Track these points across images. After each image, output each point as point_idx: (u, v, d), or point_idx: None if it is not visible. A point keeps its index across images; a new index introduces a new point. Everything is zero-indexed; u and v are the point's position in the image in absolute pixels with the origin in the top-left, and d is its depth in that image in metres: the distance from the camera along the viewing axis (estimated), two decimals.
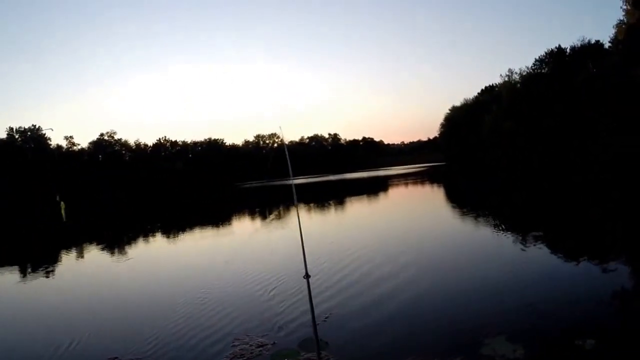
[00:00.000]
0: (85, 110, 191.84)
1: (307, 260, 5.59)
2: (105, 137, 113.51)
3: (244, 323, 7.49)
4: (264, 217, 27.21)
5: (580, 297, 7.15)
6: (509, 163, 57.89)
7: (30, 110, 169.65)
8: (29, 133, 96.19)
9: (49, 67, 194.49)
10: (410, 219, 20.19)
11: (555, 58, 60.27)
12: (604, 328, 5.77)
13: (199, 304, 8.81)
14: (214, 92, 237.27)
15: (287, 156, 6.10)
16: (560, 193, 24.17)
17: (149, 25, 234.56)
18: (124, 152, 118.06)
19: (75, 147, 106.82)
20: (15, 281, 13.71)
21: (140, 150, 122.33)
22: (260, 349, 6.36)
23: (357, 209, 27.41)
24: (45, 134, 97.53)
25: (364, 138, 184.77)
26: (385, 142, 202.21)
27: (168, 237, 22.29)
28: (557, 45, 61.02)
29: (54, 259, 17.70)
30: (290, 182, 5.85)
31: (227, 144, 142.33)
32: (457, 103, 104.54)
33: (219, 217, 30.31)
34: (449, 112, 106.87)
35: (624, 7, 37.83)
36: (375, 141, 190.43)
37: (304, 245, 5.45)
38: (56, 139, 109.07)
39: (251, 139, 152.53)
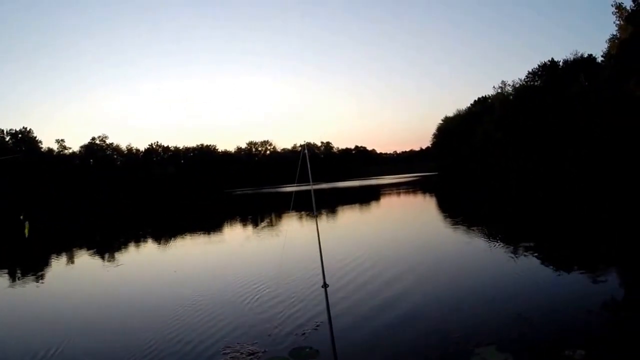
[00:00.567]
0: (77, 114, 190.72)
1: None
2: (97, 142, 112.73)
3: (234, 331, 7.47)
4: (255, 224, 27.10)
5: (570, 308, 7.21)
6: (501, 173, 58.29)
7: (21, 113, 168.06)
8: (19, 135, 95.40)
9: (40, 70, 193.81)
10: (402, 229, 20.23)
11: (548, 71, 60.77)
12: (594, 338, 5.81)
13: (190, 311, 8.77)
14: (208, 98, 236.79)
15: (308, 163, 6.04)
16: (552, 203, 24.39)
17: (143, 32, 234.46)
18: (115, 156, 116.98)
19: (66, 151, 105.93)
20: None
21: (131, 155, 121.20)
22: (251, 356, 6.36)
23: (350, 218, 27.40)
24: (36, 137, 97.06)
25: (356, 147, 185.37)
26: (378, 151, 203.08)
27: (158, 244, 22.13)
28: (550, 59, 61.70)
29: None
30: (310, 187, 5.81)
31: (219, 150, 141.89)
32: (450, 113, 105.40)
33: (210, 225, 30.13)
34: (441, 122, 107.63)
35: (617, 22, 38.46)
36: (367, 150, 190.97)
37: (322, 254, 5.31)
38: (47, 142, 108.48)
39: (243, 145, 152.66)
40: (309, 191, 5.72)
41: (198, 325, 7.88)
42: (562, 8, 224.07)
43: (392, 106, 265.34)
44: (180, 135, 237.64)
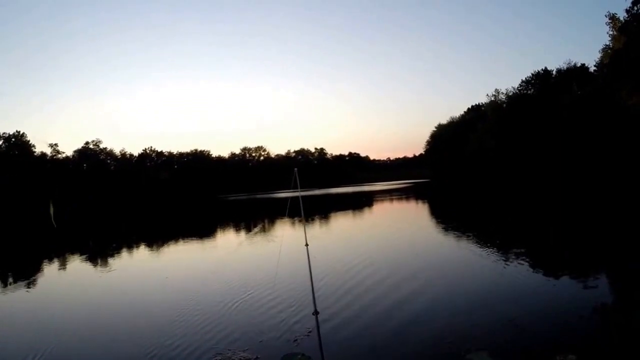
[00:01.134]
0: (71, 118, 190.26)
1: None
2: (91, 146, 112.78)
3: (226, 337, 7.43)
4: (248, 230, 27.02)
5: (562, 313, 7.23)
6: (493, 180, 58.61)
7: (14, 117, 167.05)
8: (12, 139, 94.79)
9: (34, 75, 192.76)
10: (395, 235, 20.20)
11: (541, 80, 61.40)
12: (585, 343, 5.85)
13: (180, 318, 8.71)
14: (202, 104, 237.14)
15: (296, 175, 6.00)
16: (544, 209, 24.54)
17: (138, 38, 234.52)
18: (109, 161, 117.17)
19: (60, 155, 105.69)
20: None
21: (125, 159, 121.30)
22: None
23: (343, 225, 27.40)
24: (29, 141, 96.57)
25: (350, 153, 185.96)
26: (371, 158, 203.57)
27: (150, 250, 21.98)
28: (544, 68, 62.36)
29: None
30: (298, 194, 5.78)
31: (213, 155, 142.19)
32: (444, 121, 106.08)
33: (203, 231, 30.02)
34: (435, 129, 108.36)
35: (611, 32, 38.96)
36: (361, 156, 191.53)
37: (313, 281, 5.19)
38: (41, 146, 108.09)
39: (237, 151, 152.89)
40: (304, 197, 5.71)
41: (189, 332, 7.82)
42: (556, 18, 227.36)
43: (385, 113, 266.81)
44: (174, 140, 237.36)
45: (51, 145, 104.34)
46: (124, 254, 20.58)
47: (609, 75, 35.82)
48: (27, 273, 16.64)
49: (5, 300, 12.39)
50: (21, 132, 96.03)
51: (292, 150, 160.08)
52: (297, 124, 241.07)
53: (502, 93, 73.02)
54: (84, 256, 20.06)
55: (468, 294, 8.97)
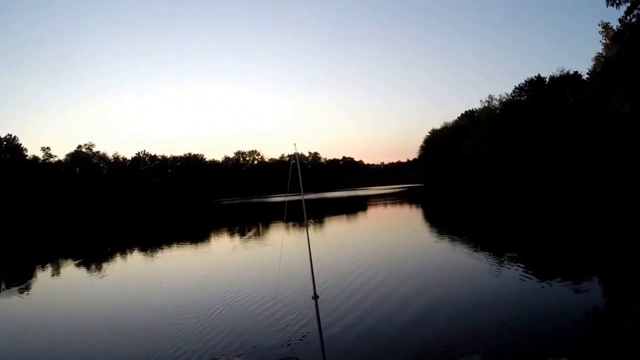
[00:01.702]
0: (64, 122, 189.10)
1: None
2: (83, 149, 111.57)
3: (220, 342, 7.44)
4: (242, 235, 27.00)
5: (554, 317, 7.30)
6: (487, 185, 58.93)
7: (6, 120, 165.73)
8: (4, 143, 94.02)
9: (27, 78, 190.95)
10: (389, 239, 20.30)
11: (534, 86, 61.78)
12: (577, 347, 5.92)
13: (174, 323, 8.71)
14: (195, 107, 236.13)
15: (299, 172, 6.00)
16: (536, 214, 24.73)
17: (132, 42, 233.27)
18: (102, 165, 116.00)
19: (52, 159, 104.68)
20: None
21: (118, 163, 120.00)
22: None
23: (338, 229, 27.44)
24: (21, 144, 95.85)
25: (344, 158, 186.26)
26: (365, 163, 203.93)
27: (144, 254, 21.91)
28: (537, 75, 62.80)
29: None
30: (301, 197, 5.78)
31: (206, 159, 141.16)
32: (437, 126, 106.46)
33: (197, 235, 29.96)
34: (429, 134, 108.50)
35: (604, 40, 39.41)
36: (355, 161, 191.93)
37: (313, 265, 5.23)
38: (33, 149, 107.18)
39: (231, 155, 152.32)
40: (298, 201, 5.73)
41: (183, 336, 7.83)
42: (549, 26, 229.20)
43: (380, 118, 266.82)
44: (168, 144, 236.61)
45: (43, 149, 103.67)
46: (118, 258, 20.52)
47: (601, 83, 36.12)
48: (22, 277, 16.62)
49: None
50: (13, 136, 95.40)
51: (286, 155, 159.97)
52: (291, 129, 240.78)
53: (496, 99, 73.50)
54: (78, 260, 19.98)
55: (462, 298, 9.02)
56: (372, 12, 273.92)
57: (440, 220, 27.47)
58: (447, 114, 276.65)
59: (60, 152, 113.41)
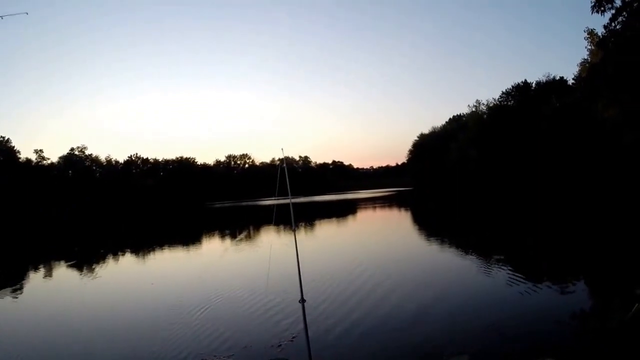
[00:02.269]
0: (55, 124, 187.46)
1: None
2: (76, 152, 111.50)
3: (210, 343, 7.45)
4: (233, 237, 26.96)
5: (540, 318, 7.41)
6: (474, 188, 59.40)
7: None
8: None
9: (20, 80, 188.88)
10: (377, 242, 20.35)
11: (521, 91, 62.57)
12: (562, 347, 6.01)
13: (165, 324, 8.70)
14: (187, 111, 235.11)
15: (287, 177, 6.03)
16: (523, 216, 25.01)
17: (124, 45, 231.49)
18: (94, 167, 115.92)
19: (45, 162, 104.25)
20: None
21: (111, 166, 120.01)
22: None
23: (326, 232, 27.49)
24: (14, 147, 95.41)
25: (333, 162, 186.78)
26: (355, 166, 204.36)
27: (136, 256, 21.75)
28: (524, 80, 63.57)
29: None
30: (288, 201, 5.83)
31: (198, 163, 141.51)
32: (426, 130, 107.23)
33: (189, 237, 29.83)
34: (417, 139, 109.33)
35: (589, 47, 40.07)
36: (344, 165, 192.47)
37: (300, 268, 5.26)
38: (25, 152, 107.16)
39: (222, 158, 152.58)
40: (288, 205, 5.79)
41: (174, 338, 7.83)
42: (536, 33, 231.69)
43: (369, 122, 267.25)
44: (160, 147, 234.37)
45: (36, 151, 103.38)
46: (113, 258, 20.42)
47: (586, 88, 36.70)
48: (17, 277, 16.56)
49: None
50: (6, 138, 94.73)
51: (276, 159, 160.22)
52: (282, 133, 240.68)
53: (483, 104, 74.31)
54: (73, 261, 19.87)
55: (449, 300, 9.11)
56: (362, 17, 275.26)
57: (429, 224, 27.63)
58: (436, 118, 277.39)
59: (52, 155, 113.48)
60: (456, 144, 73.96)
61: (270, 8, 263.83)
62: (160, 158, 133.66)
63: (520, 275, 10.76)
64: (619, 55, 25.62)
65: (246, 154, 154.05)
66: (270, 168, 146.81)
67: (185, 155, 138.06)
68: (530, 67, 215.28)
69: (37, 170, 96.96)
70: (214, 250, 21.53)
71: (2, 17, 7.60)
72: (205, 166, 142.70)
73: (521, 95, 62.00)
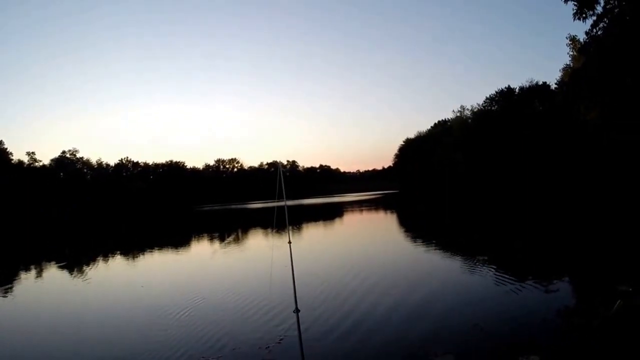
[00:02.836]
0: (46, 127, 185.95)
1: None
2: (67, 155, 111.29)
3: (199, 346, 7.44)
4: (222, 239, 26.86)
5: (525, 316, 7.53)
6: (458, 191, 59.90)
7: None
8: None
9: (12, 83, 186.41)
10: (364, 244, 20.40)
11: (504, 97, 63.41)
12: (547, 345, 6.11)
13: (154, 326, 8.69)
14: (177, 115, 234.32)
15: (282, 181, 6.06)
16: (506, 217, 25.28)
17: (114, 49, 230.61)
18: (85, 170, 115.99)
19: (37, 164, 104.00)
20: None
21: (102, 169, 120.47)
22: None
23: (316, 235, 27.45)
24: (6, 148, 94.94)
25: (321, 165, 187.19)
26: (342, 170, 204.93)
27: (126, 259, 21.55)
28: (507, 85, 64.49)
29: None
30: (283, 204, 5.85)
31: (188, 166, 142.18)
32: (411, 135, 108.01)
33: (179, 241, 29.62)
34: (403, 143, 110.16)
35: (571, 52, 40.88)
36: (331, 169, 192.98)
37: (295, 277, 5.24)
38: (17, 154, 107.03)
39: (212, 162, 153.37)
40: (280, 207, 5.83)
41: (163, 340, 7.81)
42: (520, 39, 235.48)
43: (356, 126, 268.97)
44: (150, 151, 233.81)
45: (28, 154, 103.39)
46: (101, 262, 20.19)
47: (569, 93, 37.35)
48: (9, 277, 16.52)
49: None
50: None
51: (264, 162, 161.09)
52: (270, 137, 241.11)
53: (467, 109, 75.28)
54: (69, 262, 19.83)
55: (435, 299, 9.20)
56: (347, 21, 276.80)
57: (419, 227, 27.74)
58: (421, 123, 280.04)
59: (44, 157, 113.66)
60: (441, 148, 74.58)
61: (255, 12, 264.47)
62: (150, 162, 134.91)
63: (506, 274, 10.89)
64: (600, 61, 26.11)
65: (235, 158, 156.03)
66: (258, 172, 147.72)
67: (175, 159, 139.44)
68: (514, 73, 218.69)
69: (29, 171, 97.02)
70: (203, 254, 21.46)
71: None
72: (194, 170, 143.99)
73: (505, 100, 62.83)
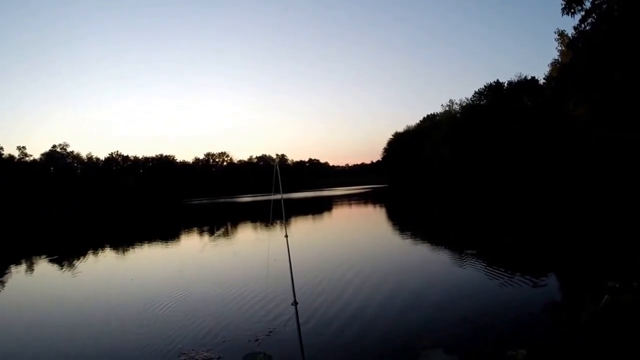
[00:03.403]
0: (36, 121, 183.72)
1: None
2: (58, 149, 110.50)
3: (189, 338, 7.45)
4: (211, 233, 26.74)
5: (513, 310, 7.58)
6: (447, 185, 60.22)
7: None
8: None
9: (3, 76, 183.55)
10: (353, 238, 20.41)
11: (493, 91, 63.63)
12: (535, 339, 6.14)
13: (144, 319, 8.69)
14: (168, 109, 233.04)
15: (279, 174, 6.01)
16: (494, 211, 25.46)
17: (105, 44, 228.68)
18: (75, 164, 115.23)
19: (27, 158, 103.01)
20: None
21: (92, 163, 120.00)
22: None
23: (307, 229, 27.41)
24: None
25: (310, 159, 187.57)
26: (331, 164, 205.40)
27: (117, 252, 21.39)
28: (496, 80, 64.67)
29: None
30: (279, 197, 5.80)
31: (177, 160, 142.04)
32: (400, 129, 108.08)
33: (169, 234, 29.43)
34: (392, 137, 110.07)
35: (559, 47, 41.10)
36: (321, 163, 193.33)
37: (293, 270, 5.17)
38: (8, 148, 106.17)
39: (201, 156, 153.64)
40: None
41: (152, 333, 7.82)
42: (509, 34, 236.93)
43: (345, 120, 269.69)
44: (140, 145, 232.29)
45: (19, 148, 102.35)
46: (91, 256, 19.99)
47: (557, 88, 37.65)
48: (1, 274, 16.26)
49: None
50: None
51: (254, 156, 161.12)
52: (259, 131, 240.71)
53: (456, 103, 75.31)
54: (52, 258, 19.60)
55: (424, 294, 9.22)
56: (336, 14, 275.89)
57: (408, 221, 27.80)
58: (409, 118, 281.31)
59: (34, 152, 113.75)
60: (430, 142, 74.73)
61: (245, 5, 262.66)
62: (140, 156, 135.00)
63: (494, 269, 10.95)
64: (588, 56, 26.31)
65: (224, 152, 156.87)
66: (248, 166, 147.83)
67: (165, 153, 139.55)
68: (503, 68, 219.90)
69: (21, 167, 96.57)
70: (193, 247, 21.43)
71: None
72: (184, 164, 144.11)
73: (493, 94, 63.04)
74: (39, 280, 15.10)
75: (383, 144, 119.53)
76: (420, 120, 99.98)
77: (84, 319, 9.29)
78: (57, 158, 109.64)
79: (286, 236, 5.35)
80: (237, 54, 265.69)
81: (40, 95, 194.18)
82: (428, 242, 16.96)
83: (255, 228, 27.04)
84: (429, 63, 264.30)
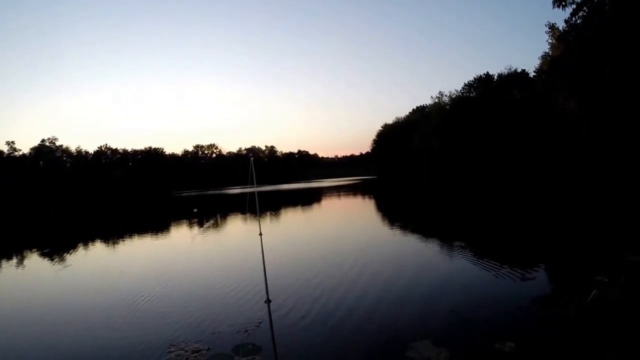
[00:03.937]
0: (28, 115, 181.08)
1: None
2: (47, 144, 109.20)
3: (179, 330, 7.46)
4: (201, 225, 26.63)
5: (501, 303, 7.63)
6: (436, 177, 60.47)
7: None
8: None
9: None
10: (342, 230, 20.43)
11: (483, 83, 63.68)
12: (523, 332, 6.20)
13: (135, 311, 8.70)
14: (156, 101, 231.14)
15: (253, 169, 5.96)
16: (483, 204, 25.59)
17: (92, 36, 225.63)
18: (65, 158, 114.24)
19: (16, 153, 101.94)
20: None
21: (81, 157, 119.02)
22: (196, 354, 6.38)
23: (291, 220, 27.40)
24: None
25: (299, 151, 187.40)
26: (320, 156, 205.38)
27: (106, 245, 21.27)
28: (486, 72, 64.67)
29: None
30: (254, 190, 5.75)
31: (166, 153, 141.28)
32: (390, 121, 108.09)
33: (158, 226, 29.27)
34: (381, 129, 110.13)
35: (550, 40, 41.24)
36: (310, 154, 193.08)
37: (266, 267, 5.14)
38: None
39: (190, 148, 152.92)
40: (251, 193, 5.77)
41: (143, 325, 7.83)
42: (499, 26, 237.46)
43: (334, 112, 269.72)
44: (129, 138, 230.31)
45: (8, 143, 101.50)
46: (82, 249, 19.83)
47: (547, 81, 37.73)
48: None
49: None
50: None
51: (243, 148, 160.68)
52: (249, 123, 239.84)
53: (446, 95, 75.23)
54: (43, 251, 19.57)
55: (412, 286, 9.26)
56: (325, 8, 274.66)
57: (396, 213, 27.88)
58: (399, 110, 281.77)
59: (22, 147, 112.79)
60: (419, 134, 74.79)
61: (238, 2, 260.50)
62: (129, 148, 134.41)
63: (483, 261, 11.01)
64: (579, 49, 26.37)
65: (213, 144, 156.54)
66: (237, 158, 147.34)
67: (153, 146, 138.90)
68: (493, 60, 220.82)
69: (8, 161, 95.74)
70: (184, 238, 21.47)
71: None
72: (173, 156, 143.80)
73: (483, 87, 63.06)
74: (27, 273, 15.05)
75: (372, 135, 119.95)
76: (409, 112, 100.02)
77: (72, 312, 9.25)
78: (47, 152, 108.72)
79: (260, 234, 5.32)
80: (227, 48, 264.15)
81: (25, 88, 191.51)
82: (416, 234, 17.02)
83: (239, 221, 26.95)
84: (420, 55, 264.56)
